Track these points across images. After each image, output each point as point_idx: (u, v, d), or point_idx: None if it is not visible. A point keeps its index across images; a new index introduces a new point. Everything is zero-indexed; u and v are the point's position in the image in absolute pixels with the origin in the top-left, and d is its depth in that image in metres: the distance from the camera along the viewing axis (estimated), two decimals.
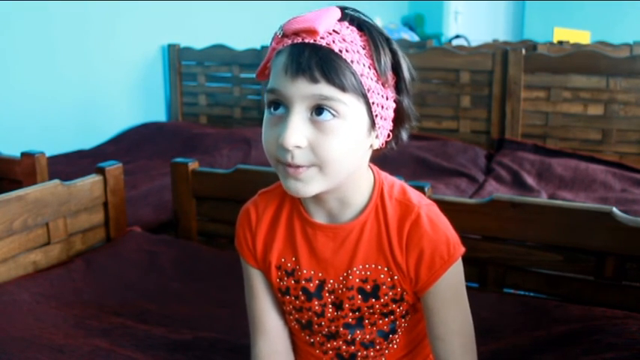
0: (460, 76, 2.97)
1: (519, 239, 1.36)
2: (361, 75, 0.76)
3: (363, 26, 0.79)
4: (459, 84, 2.98)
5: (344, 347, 0.93)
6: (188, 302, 1.44)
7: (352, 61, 0.75)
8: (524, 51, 2.84)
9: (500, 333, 1.21)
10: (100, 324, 1.30)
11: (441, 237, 0.84)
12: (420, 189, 1.30)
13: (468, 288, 0.91)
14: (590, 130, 2.76)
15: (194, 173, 1.70)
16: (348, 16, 0.80)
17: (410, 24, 6.08)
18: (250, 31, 3.78)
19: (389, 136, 0.84)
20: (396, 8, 6.09)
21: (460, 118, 3.01)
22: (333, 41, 0.75)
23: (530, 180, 2.50)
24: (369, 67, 0.77)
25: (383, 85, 0.79)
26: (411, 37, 5.59)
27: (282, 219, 0.91)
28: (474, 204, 1.37)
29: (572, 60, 2.74)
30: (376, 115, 0.79)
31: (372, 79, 0.77)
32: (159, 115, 3.52)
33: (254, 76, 3.65)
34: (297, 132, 0.75)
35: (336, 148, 0.76)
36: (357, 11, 0.81)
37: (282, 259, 0.91)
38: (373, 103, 0.78)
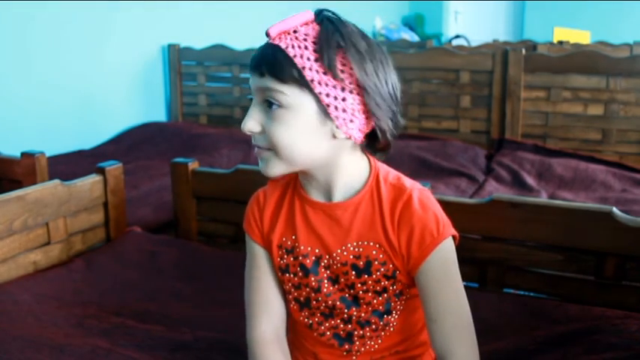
0: (460, 76, 2.97)
1: (519, 239, 1.36)
2: (303, 67, 0.83)
3: (323, 25, 0.86)
4: (459, 84, 2.98)
5: (341, 326, 0.96)
6: (188, 302, 1.44)
7: (295, 56, 0.84)
8: (524, 51, 2.84)
9: (500, 333, 1.21)
10: (100, 324, 1.30)
11: (430, 216, 0.89)
12: None
13: (468, 288, 0.92)
14: (590, 130, 2.76)
15: (194, 173, 1.70)
16: (320, 17, 0.87)
17: (410, 24, 6.08)
18: (250, 31, 3.77)
19: (371, 128, 0.89)
20: (396, 8, 6.09)
21: (460, 118, 3.01)
22: (284, 39, 0.85)
23: (530, 180, 2.50)
24: (316, 61, 0.84)
25: (333, 77, 0.84)
26: (411, 37, 5.59)
27: (286, 202, 0.98)
28: (474, 204, 1.37)
29: (572, 60, 2.74)
30: (328, 105, 0.85)
31: (317, 71, 0.84)
32: (159, 115, 3.53)
33: None
34: (252, 119, 0.87)
35: (283, 135, 0.86)
36: (333, 13, 0.88)
37: (283, 238, 0.97)
38: (320, 94, 0.84)
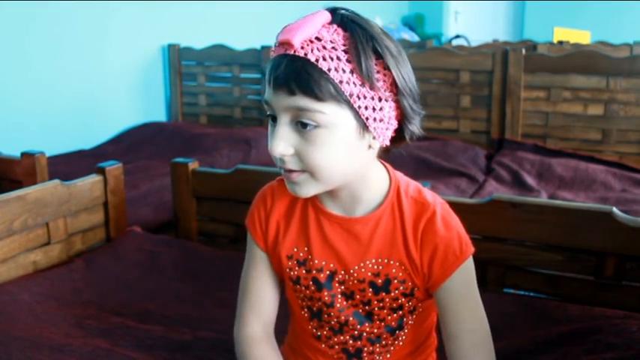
0: (460, 76, 2.97)
1: (519, 239, 1.36)
2: (340, 82, 0.76)
3: (349, 28, 0.79)
4: (459, 84, 2.98)
5: (350, 342, 0.94)
6: (188, 302, 1.44)
7: (329, 70, 0.76)
8: (524, 51, 2.84)
9: (501, 333, 1.20)
10: (100, 324, 1.30)
11: (454, 235, 0.86)
12: None
13: None
14: (590, 130, 2.76)
15: (194, 173, 1.70)
16: (339, 18, 0.80)
17: (410, 24, 6.08)
18: (250, 31, 3.78)
19: (395, 132, 0.84)
20: (396, 8, 6.09)
21: (460, 118, 3.01)
22: (312, 50, 0.76)
23: (530, 180, 2.50)
24: (352, 72, 0.77)
25: (371, 87, 0.78)
26: (411, 37, 5.59)
27: (297, 210, 0.93)
28: (474, 204, 1.37)
29: (572, 60, 2.74)
30: (367, 118, 0.79)
31: (355, 84, 0.77)
32: (159, 115, 3.52)
33: (254, 76, 3.63)
34: (282, 142, 0.79)
35: (322, 157, 0.79)
36: (349, 11, 0.81)
37: (295, 249, 0.92)
38: (360, 108, 0.78)
